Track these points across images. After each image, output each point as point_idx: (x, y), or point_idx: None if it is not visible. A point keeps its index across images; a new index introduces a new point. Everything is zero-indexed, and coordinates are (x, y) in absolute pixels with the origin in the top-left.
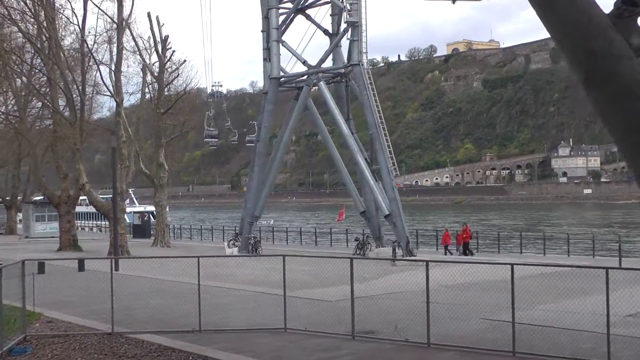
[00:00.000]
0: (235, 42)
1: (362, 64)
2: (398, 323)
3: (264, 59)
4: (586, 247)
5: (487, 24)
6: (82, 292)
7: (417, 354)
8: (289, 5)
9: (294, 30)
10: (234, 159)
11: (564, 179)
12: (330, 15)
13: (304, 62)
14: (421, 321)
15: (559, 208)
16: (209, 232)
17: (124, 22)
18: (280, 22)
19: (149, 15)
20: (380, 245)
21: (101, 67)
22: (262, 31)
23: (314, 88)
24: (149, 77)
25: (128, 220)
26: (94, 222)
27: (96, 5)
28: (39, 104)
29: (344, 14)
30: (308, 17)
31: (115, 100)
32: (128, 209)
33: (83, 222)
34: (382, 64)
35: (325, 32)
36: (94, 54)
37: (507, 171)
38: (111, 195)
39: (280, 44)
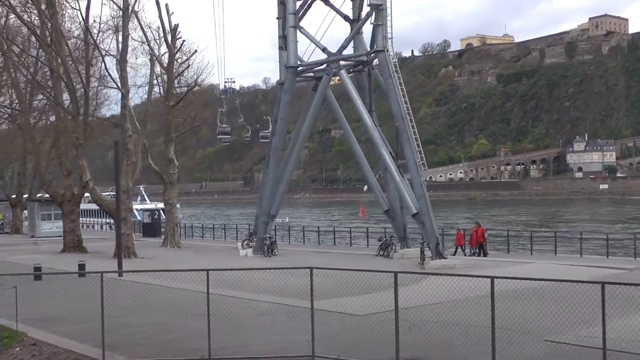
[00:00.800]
0: (247, 38)
1: (387, 51)
2: (452, 344)
3: (280, 48)
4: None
5: (501, 18)
6: (78, 303)
7: None
8: None
9: (311, 18)
10: (247, 155)
11: (579, 174)
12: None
13: (324, 50)
14: (476, 341)
15: (574, 204)
16: (222, 230)
17: (129, 8)
18: (297, 7)
19: (157, 2)
20: (406, 246)
21: (107, 58)
22: (277, 18)
23: (334, 78)
24: (158, 69)
25: (139, 218)
26: (102, 219)
27: None
28: (45, 99)
29: None
30: (327, 2)
31: (121, 92)
32: (138, 206)
33: (90, 219)
34: (395, 60)
35: (346, 18)
36: (100, 44)
37: (522, 166)
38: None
39: (298, 31)
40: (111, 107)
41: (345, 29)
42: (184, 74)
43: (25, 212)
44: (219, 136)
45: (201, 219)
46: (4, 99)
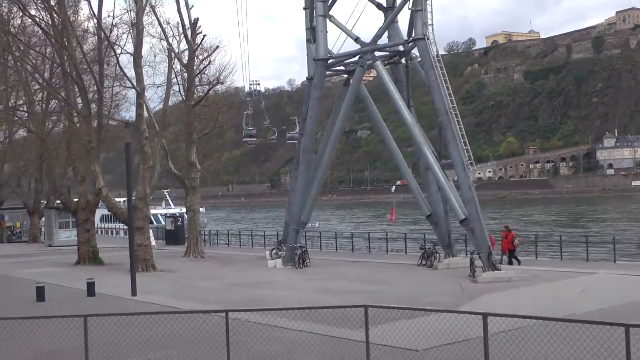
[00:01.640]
0: (271, 40)
1: (428, 39)
2: None
3: (308, 41)
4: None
5: (526, 15)
6: (79, 335)
7: None
8: None
9: (340, 8)
10: (273, 158)
11: (610, 171)
12: None
13: (356, 39)
14: None
15: (607, 201)
16: (249, 237)
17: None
18: None
19: None
20: (451, 254)
21: (124, 57)
22: (304, 8)
23: (366, 71)
24: (178, 66)
25: (163, 223)
26: (123, 225)
27: None
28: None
29: None
30: None
31: (136, 90)
32: (162, 211)
33: (110, 225)
34: (419, 59)
35: (379, 6)
36: (115, 41)
37: (551, 164)
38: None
39: (328, 20)
40: (131, 109)
41: (377, 20)
42: (206, 72)
43: (43, 219)
44: (245, 139)
45: (226, 223)
46: (15, 101)
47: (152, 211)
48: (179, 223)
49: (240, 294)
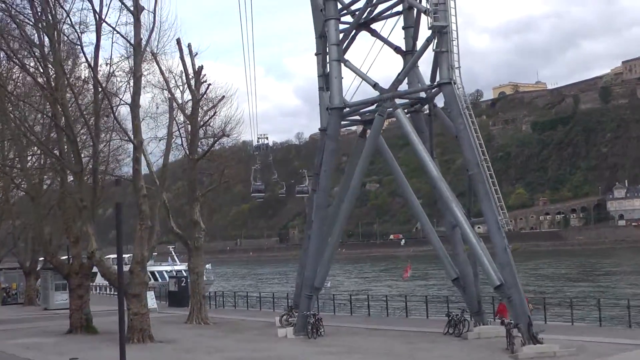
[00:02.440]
0: (278, 94)
1: (455, 83)
2: None
3: (320, 89)
4: None
5: (531, 66)
6: None
7: None
8: (348, 19)
9: (354, 53)
10: (281, 212)
11: (622, 222)
12: (403, 28)
13: (374, 86)
14: None
15: (619, 254)
16: (257, 299)
17: (142, 43)
18: (340, 38)
19: (178, 41)
20: (481, 322)
21: (124, 108)
22: (316, 54)
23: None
24: (181, 118)
25: (167, 280)
26: None
27: (112, 28)
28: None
29: (427, 19)
30: (374, 33)
31: (132, 143)
32: (167, 268)
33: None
34: (427, 111)
35: (397, 49)
36: (113, 90)
37: (562, 215)
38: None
39: (343, 64)
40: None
41: (392, 64)
42: (210, 124)
43: (40, 281)
44: (253, 194)
45: (232, 279)
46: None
47: (157, 268)
48: (183, 284)
49: None
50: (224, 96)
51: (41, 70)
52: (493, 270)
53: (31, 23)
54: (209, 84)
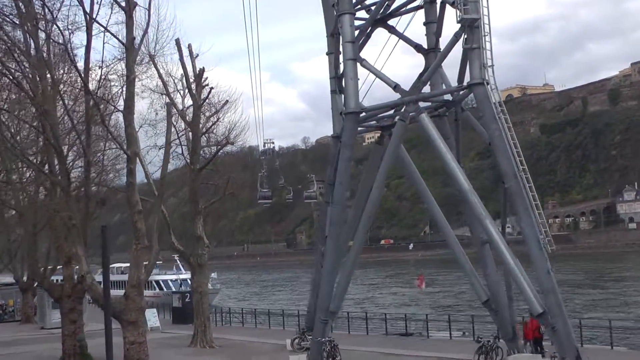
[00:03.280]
0: (284, 98)
1: (488, 83)
2: None
3: (332, 91)
4: None
5: (538, 69)
6: None
7: None
8: (362, 14)
9: (367, 52)
10: (288, 217)
11: (632, 225)
12: (424, 24)
13: (395, 87)
14: None
15: (632, 257)
16: (265, 316)
17: (135, 42)
18: (355, 35)
19: (177, 42)
20: (516, 350)
21: (116, 114)
22: (328, 53)
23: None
24: (181, 125)
25: (173, 289)
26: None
27: (103, 27)
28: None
29: (455, 12)
30: (391, 29)
31: (126, 154)
32: (172, 277)
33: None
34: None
35: (418, 47)
36: (105, 94)
37: (571, 219)
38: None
39: (359, 64)
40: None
41: (410, 64)
42: (213, 130)
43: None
44: (259, 201)
45: (236, 286)
46: None
47: (161, 277)
48: (187, 300)
49: None
50: (227, 101)
51: (28, 76)
52: (533, 296)
53: (16, 23)
54: (211, 88)
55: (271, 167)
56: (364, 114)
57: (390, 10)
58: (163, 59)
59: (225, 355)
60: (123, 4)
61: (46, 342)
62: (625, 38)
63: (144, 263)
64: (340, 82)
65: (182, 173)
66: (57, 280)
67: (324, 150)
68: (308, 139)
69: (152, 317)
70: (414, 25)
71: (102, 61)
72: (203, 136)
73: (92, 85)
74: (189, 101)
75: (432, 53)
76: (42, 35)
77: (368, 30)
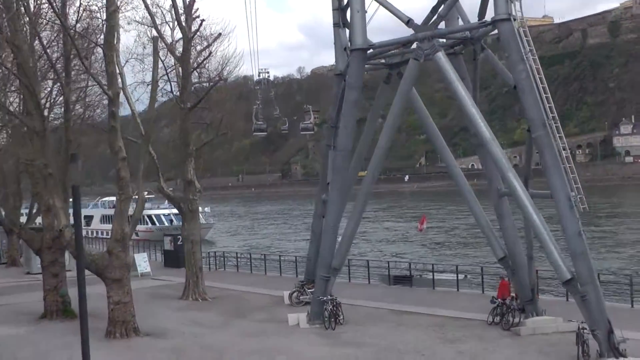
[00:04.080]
0: (278, 27)
1: (515, 19)
2: None
3: (335, 24)
4: None
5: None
6: None
7: None
8: None
9: None
10: (283, 147)
11: (629, 159)
12: None
13: (408, 22)
14: None
15: (625, 190)
16: (261, 261)
17: None
18: None
19: None
20: (535, 312)
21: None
22: None
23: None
24: (171, 60)
25: (166, 224)
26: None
27: None
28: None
29: None
30: None
31: (107, 95)
32: (165, 211)
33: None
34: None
35: None
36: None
37: (568, 151)
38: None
39: None
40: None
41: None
42: (205, 66)
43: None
44: (255, 133)
45: (229, 219)
46: None
47: (154, 212)
48: (179, 242)
49: None
50: (220, 33)
51: None
52: (560, 261)
53: None
54: (203, 20)
55: (266, 97)
56: (372, 50)
57: None
58: None
59: (218, 310)
60: None
61: (29, 292)
62: None
63: (129, 214)
64: (344, 15)
65: (175, 105)
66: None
67: (320, 80)
68: (303, 69)
69: (142, 262)
70: None
71: None
72: (194, 72)
73: (72, 19)
74: (178, 34)
75: None
76: None
77: None
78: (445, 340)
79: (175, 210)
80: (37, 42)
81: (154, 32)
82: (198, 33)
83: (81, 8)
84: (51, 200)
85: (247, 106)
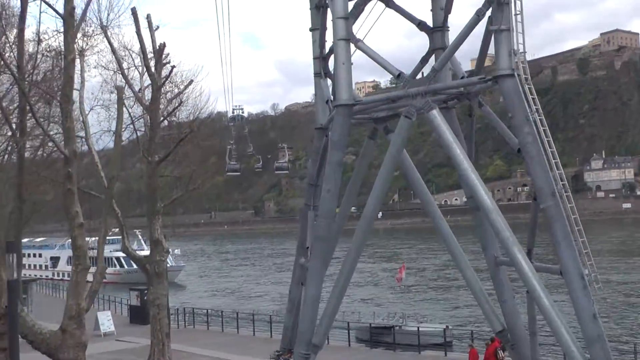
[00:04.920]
0: (253, 64)
1: (519, 75)
2: None
3: (316, 74)
4: None
5: None
6: None
7: None
8: None
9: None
10: (256, 184)
11: (600, 194)
12: None
13: (398, 76)
14: None
15: (601, 227)
16: (233, 319)
17: (73, 12)
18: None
19: (133, 12)
20: None
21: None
22: (311, 29)
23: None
24: (138, 110)
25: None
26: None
27: None
28: None
29: None
30: (389, 3)
31: (63, 154)
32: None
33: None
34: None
35: (421, 25)
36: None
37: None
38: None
39: (353, 45)
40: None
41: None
42: (175, 114)
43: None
44: (227, 173)
45: (197, 259)
46: None
47: (122, 254)
48: (145, 297)
49: None
50: (192, 80)
51: None
52: (572, 343)
53: None
54: (173, 66)
55: (240, 134)
56: (359, 106)
57: None
58: (119, 30)
59: None
60: None
61: None
62: (592, 8)
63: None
64: (326, 64)
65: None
66: None
67: (294, 117)
68: (277, 106)
69: (105, 322)
70: None
71: (38, 34)
72: (164, 121)
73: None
74: (148, 80)
75: (438, 32)
76: None
77: (361, 7)
78: None
79: (144, 252)
80: None
81: (120, 79)
82: (168, 79)
83: (38, 54)
84: None
85: (221, 142)
